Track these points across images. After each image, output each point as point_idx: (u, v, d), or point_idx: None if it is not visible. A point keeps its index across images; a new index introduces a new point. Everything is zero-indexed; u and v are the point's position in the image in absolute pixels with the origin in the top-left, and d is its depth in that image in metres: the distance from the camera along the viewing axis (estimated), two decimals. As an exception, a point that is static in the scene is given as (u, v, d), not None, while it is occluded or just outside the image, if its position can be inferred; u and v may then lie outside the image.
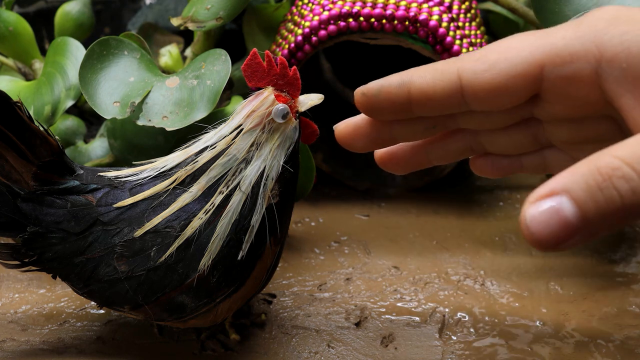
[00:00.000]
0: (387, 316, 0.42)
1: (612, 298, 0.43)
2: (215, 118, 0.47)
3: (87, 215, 0.34)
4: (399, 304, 0.43)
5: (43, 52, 0.60)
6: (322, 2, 0.50)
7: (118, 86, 0.45)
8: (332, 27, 0.48)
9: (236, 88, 0.57)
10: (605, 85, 0.24)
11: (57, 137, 0.36)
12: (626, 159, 0.21)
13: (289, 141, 0.34)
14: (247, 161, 0.34)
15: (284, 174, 0.34)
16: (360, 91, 0.29)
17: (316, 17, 0.48)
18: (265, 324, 0.41)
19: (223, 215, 0.33)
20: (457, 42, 0.48)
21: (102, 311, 0.42)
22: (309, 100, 0.35)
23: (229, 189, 0.33)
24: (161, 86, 0.45)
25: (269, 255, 0.35)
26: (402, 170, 0.33)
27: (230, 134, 0.34)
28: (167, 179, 0.34)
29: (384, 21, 0.48)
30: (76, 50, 0.52)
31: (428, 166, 0.33)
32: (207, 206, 0.33)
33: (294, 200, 0.37)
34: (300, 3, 0.53)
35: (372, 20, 0.48)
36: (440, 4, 0.49)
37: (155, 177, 0.35)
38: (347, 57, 0.67)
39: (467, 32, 0.50)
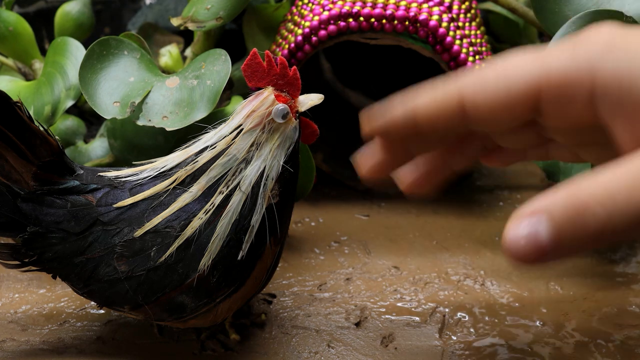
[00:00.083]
0: (387, 316, 0.42)
1: (612, 298, 0.43)
2: (215, 118, 0.47)
3: (87, 215, 0.34)
4: (399, 304, 0.43)
5: (43, 52, 0.60)
6: (322, 2, 0.50)
7: (118, 86, 0.45)
8: (332, 27, 0.48)
9: (236, 88, 0.57)
10: (598, 109, 0.25)
11: (57, 137, 0.36)
12: (600, 193, 0.22)
13: (289, 141, 0.34)
14: (247, 161, 0.34)
15: (284, 174, 0.34)
16: (365, 118, 0.30)
17: (316, 17, 0.48)
18: (265, 324, 0.41)
19: (223, 215, 0.33)
20: (457, 42, 0.48)
21: (102, 311, 0.42)
22: (309, 100, 0.35)
23: (229, 189, 0.33)
24: (161, 86, 0.45)
25: (269, 255, 0.35)
26: (427, 188, 0.33)
27: (230, 134, 0.34)
28: (167, 179, 0.34)
29: (384, 21, 0.48)
30: (76, 50, 0.52)
31: (450, 174, 0.33)
32: (207, 206, 0.33)
33: (294, 200, 0.37)
34: (300, 3, 0.53)
35: (372, 20, 0.48)
36: (440, 4, 0.49)
37: (155, 177, 0.35)
38: (347, 57, 0.67)
39: (467, 32, 0.50)
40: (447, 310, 0.42)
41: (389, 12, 0.47)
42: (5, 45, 0.58)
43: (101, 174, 0.36)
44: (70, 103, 0.50)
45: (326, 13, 0.48)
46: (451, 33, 0.48)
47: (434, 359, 0.38)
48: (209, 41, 0.56)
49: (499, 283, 0.45)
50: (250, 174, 0.33)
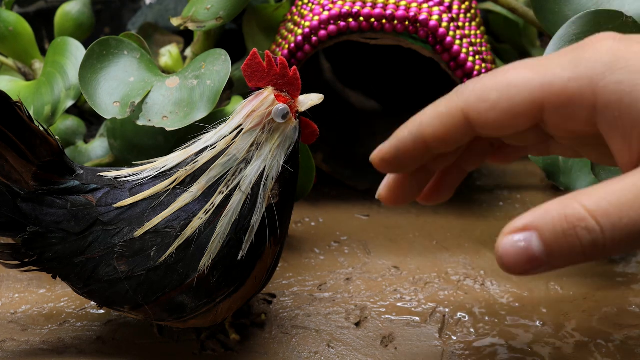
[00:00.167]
0: (387, 316, 0.42)
1: (612, 298, 0.43)
2: (215, 118, 0.47)
3: (87, 215, 0.34)
4: (399, 304, 0.43)
5: (43, 52, 0.60)
6: (322, 2, 0.50)
7: (118, 86, 0.45)
8: (332, 27, 0.48)
9: (236, 88, 0.57)
10: (599, 125, 0.26)
11: (57, 137, 0.36)
12: (592, 211, 0.23)
13: (289, 141, 0.34)
14: (247, 161, 0.33)
15: (284, 174, 0.34)
16: (377, 158, 0.30)
17: (316, 17, 0.48)
18: (265, 324, 0.41)
19: (223, 215, 0.33)
20: (457, 42, 0.48)
21: (102, 311, 0.42)
22: (309, 100, 0.35)
23: (229, 189, 0.33)
24: (161, 86, 0.45)
25: (269, 255, 0.35)
26: (448, 195, 0.34)
27: (230, 134, 0.34)
28: (167, 179, 0.34)
29: (384, 21, 0.48)
30: (76, 50, 0.52)
31: (464, 176, 0.34)
32: (207, 206, 0.33)
33: (294, 200, 0.37)
34: (300, 3, 0.53)
35: (372, 20, 0.48)
36: (440, 4, 0.49)
37: (155, 177, 0.35)
38: (347, 57, 0.67)
39: (467, 32, 0.50)
40: (447, 310, 0.42)
41: (389, 12, 0.47)
42: (5, 45, 0.58)
43: (101, 174, 0.36)
44: (70, 103, 0.50)
45: (326, 13, 0.48)
46: (451, 33, 0.48)
47: (434, 359, 0.38)
48: (209, 41, 0.56)
49: (499, 283, 0.45)
50: (250, 174, 0.33)
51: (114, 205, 0.34)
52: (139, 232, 0.33)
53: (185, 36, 0.67)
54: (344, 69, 0.67)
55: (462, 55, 0.48)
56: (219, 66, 0.45)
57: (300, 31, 0.49)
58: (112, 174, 0.36)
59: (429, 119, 0.28)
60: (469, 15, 0.52)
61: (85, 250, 0.34)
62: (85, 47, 0.47)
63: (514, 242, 0.24)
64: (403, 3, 0.48)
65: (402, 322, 0.41)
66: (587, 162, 0.46)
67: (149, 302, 0.34)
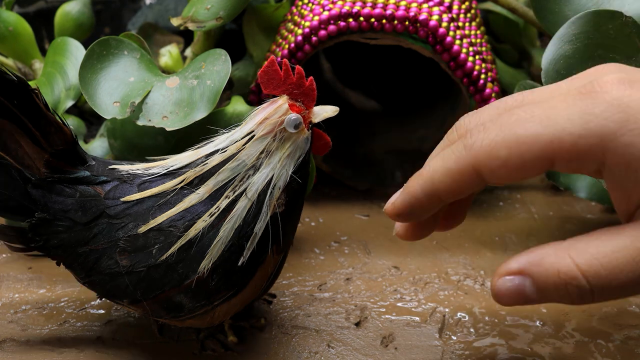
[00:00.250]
0: (387, 316, 0.42)
1: (612, 298, 0.43)
2: (215, 118, 0.47)
3: (94, 206, 0.34)
4: (399, 304, 0.43)
5: (43, 52, 0.60)
6: (322, 2, 0.50)
7: (118, 86, 0.45)
8: (332, 27, 0.48)
9: (236, 88, 0.57)
10: (603, 174, 0.27)
11: (71, 127, 0.36)
12: (584, 271, 0.26)
13: (300, 151, 0.34)
14: (255, 168, 0.33)
15: (292, 184, 0.34)
16: (393, 213, 0.32)
17: (316, 17, 0.48)
18: (264, 328, 0.41)
19: (227, 219, 0.33)
20: (457, 42, 0.48)
21: (102, 311, 0.42)
22: (324, 112, 0.35)
23: (236, 194, 0.33)
24: (161, 86, 0.45)
25: (271, 263, 0.35)
26: (462, 218, 0.36)
27: (241, 139, 0.34)
28: (175, 178, 0.34)
29: (384, 21, 0.48)
30: (76, 50, 0.52)
31: (473, 197, 0.36)
32: (213, 209, 0.33)
33: (301, 210, 0.37)
34: (300, 3, 0.53)
35: (372, 20, 0.48)
36: (440, 4, 0.49)
37: (164, 175, 0.35)
38: (347, 57, 0.67)
39: (467, 32, 0.50)
40: (447, 310, 0.42)
41: (389, 12, 0.47)
42: (5, 45, 0.58)
43: (112, 166, 0.36)
44: (70, 103, 0.50)
45: (326, 13, 0.48)
46: (451, 33, 0.48)
47: (434, 359, 0.38)
48: (209, 41, 0.56)
49: (499, 283, 0.45)
50: (257, 181, 0.33)
51: (121, 199, 0.34)
52: (143, 229, 0.33)
53: (185, 36, 0.67)
54: (344, 69, 0.67)
55: (462, 55, 0.48)
56: (219, 66, 0.45)
57: (300, 31, 0.49)
58: (123, 167, 0.36)
59: (441, 176, 0.29)
60: (469, 15, 0.52)
61: (89, 241, 0.34)
62: (85, 47, 0.47)
63: (509, 284, 0.27)
64: (403, 3, 0.48)
65: (402, 322, 0.41)
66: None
67: (147, 298, 0.34)
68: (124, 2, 0.74)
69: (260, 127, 0.33)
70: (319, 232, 0.51)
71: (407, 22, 0.47)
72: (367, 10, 0.47)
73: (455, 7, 0.50)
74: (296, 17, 0.52)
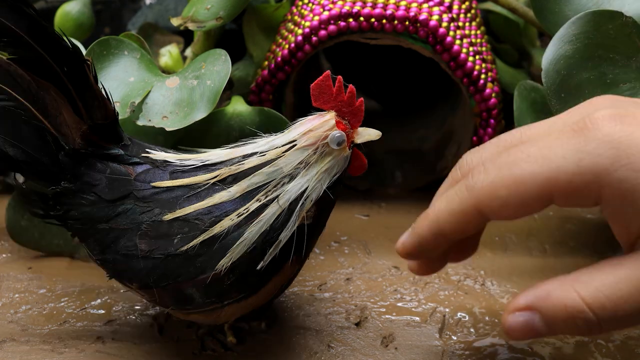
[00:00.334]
0: (387, 316, 0.42)
1: (612, 298, 0.43)
2: (215, 118, 0.47)
3: (123, 186, 0.34)
4: (399, 304, 0.43)
5: (43, 52, 0.60)
6: (322, 2, 0.50)
7: (118, 86, 0.45)
8: (332, 27, 0.48)
9: (236, 88, 0.57)
10: (602, 207, 0.28)
11: (116, 103, 0.36)
12: (589, 304, 0.27)
13: (337, 168, 0.34)
14: (292, 177, 0.33)
15: (324, 199, 0.34)
16: (404, 252, 0.34)
17: (316, 17, 0.48)
18: (264, 331, 0.41)
19: (254, 222, 0.33)
20: (457, 42, 0.48)
21: (102, 311, 0.42)
22: (367, 134, 0.35)
23: (267, 198, 0.33)
24: (161, 86, 0.45)
25: (287, 272, 0.35)
26: (475, 249, 0.37)
27: (282, 146, 0.34)
28: (208, 172, 0.34)
29: (384, 21, 0.48)
30: (76, 50, 0.51)
31: (482, 231, 0.37)
32: (242, 210, 0.33)
33: (324, 226, 0.37)
34: (300, 3, 0.53)
35: (372, 20, 0.48)
36: (440, 4, 0.49)
37: (198, 167, 0.35)
38: (347, 57, 0.67)
39: (467, 32, 0.50)
40: (447, 310, 0.42)
41: (389, 12, 0.47)
42: (5, 45, 0.58)
43: (148, 150, 0.36)
44: (70, 103, 0.50)
45: (326, 13, 0.48)
46: (451, 33, 0.48)
47: (434, 359, 0.38)
48: (209, 41, 0.56)
49: (499, 283, 0.45)
50: (291, 189, 0.33)
51: (152, 184, 0.34)
52: (168, 216, 0.33)
53: (185, 36, 0.67)
54: (344, 69, 0.67)
55: (462, 55, 0.48)
56: (219, 66, 0.45)
57: (300, 31, 0.49)
58: (158, 154, 0.36)
59: (446, 217, 0.31)
60: (469, 15, 0.52)
61: (111, 219, 0.34)
62: (85, 47, 0.47)
63: (521, 319, 0.29)
64: (403, 3, 0.48)
65: (402, 322, 0.41)
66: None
67: (158, 285, 0.34)
68: (124, 2, 0.74)
69: (304, 137, 0.33)
70: (319, 232, 0.51)
71: (407, 22, 0.47)
72: (367, 10, 0.47)
73: (455, 7, 0.50)
74: (296, 17, 0.52)
